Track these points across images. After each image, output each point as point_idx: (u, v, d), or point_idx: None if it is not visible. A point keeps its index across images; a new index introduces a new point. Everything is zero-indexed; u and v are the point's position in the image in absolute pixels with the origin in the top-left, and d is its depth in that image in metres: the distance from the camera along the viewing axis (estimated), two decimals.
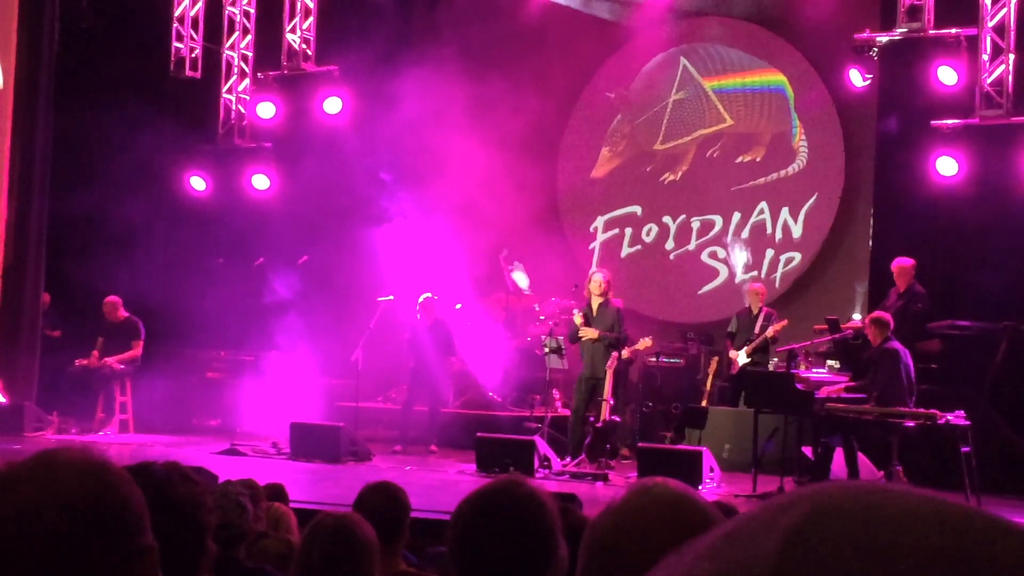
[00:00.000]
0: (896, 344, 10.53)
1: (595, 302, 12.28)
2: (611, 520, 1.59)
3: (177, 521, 2.37)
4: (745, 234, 16.03)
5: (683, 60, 16.55)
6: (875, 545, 0.69)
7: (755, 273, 15.78)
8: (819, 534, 0.70)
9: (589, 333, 12.09)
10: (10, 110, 14.30)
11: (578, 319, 12.28)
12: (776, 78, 15.95)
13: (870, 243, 14.17)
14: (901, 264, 12.11)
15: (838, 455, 10.58)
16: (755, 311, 13.26)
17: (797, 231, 15.77)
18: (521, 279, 15.99)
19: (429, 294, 13.78)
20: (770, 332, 12.87)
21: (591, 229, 17.04)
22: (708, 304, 15.95)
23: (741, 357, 13.01)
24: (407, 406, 13.57)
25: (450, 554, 2.51)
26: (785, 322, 12.97)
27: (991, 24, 12.17)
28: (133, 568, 1.44)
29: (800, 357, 12.32)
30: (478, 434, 11.86)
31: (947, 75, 12.19)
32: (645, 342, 12.48)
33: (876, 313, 11.03)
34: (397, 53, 15.73)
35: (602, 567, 1.61)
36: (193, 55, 16.09)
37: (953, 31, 12.24)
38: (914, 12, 12.45)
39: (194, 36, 16.11)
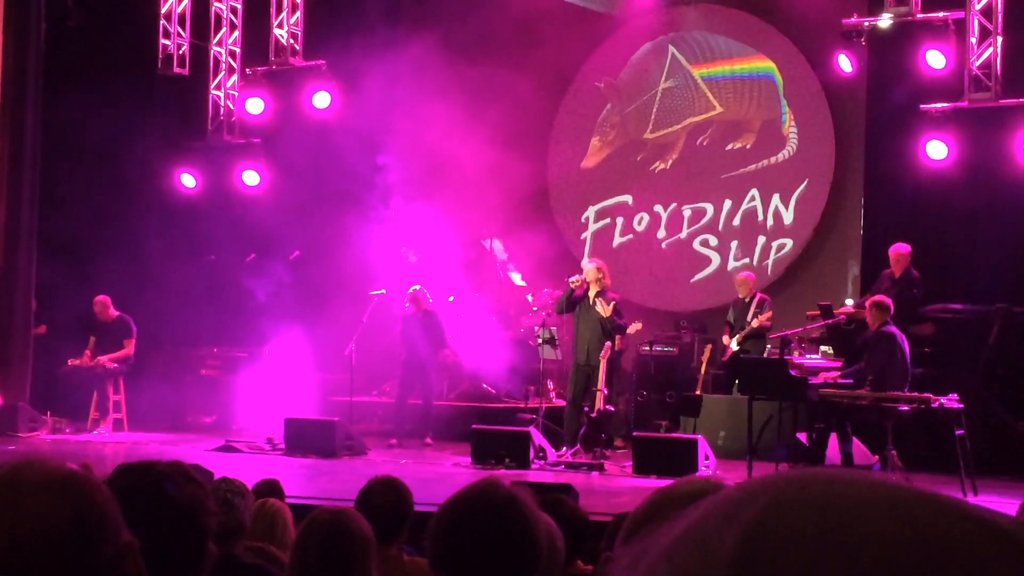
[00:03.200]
0: (893, 328, 10.55)
1: (592, 291, 12.30)
2: (649, 509, 1.59)
3: (179, 523, 2.36)
4: (736, 221, 16.04)
5: (671, 48, 16.54)
6: (832, 539, 0.68)
7: (747, 260, 15.80)
8: (775, 531, 0.69)
9: (603, 307, 12.10)
10: None
11: (576, 282, 12.33)
12: (765, 65, 15.94)
13: (861, 228, 14.19)
14: (899, 251, 12.07)
15: (833, 441, 10.60)
16: (747, 299, 13.33)
17: (788, 217, 15.77)
18: (516, 279, 16.06)
19: (418, 286, 13.79)
20: (755, 323, 12.98)
21: (582, 219, 17.03)
22: (701, 292, 15.96)
23: (733, 344, 13.09)
24: (401, 399, 13.57)
25: (431, 563, 2.49)
26: (769, 313, 13.09)
27: (978, 7, 12.17)
28: (119, 569, 1.41)
29: (793, 343, 12.34)
30: (473, 426, 11.87)
31: (935, 59, 12.19)
32: (635, 326, 12.49)
33: (878, 297, 11.02)
34: (385, 46, 15.70)
35: None
36: (181, 52, 16.04)
37: (941, 15, 12.23)
38: None
39: (181, 33, 16.06)
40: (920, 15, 12.34)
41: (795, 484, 0.73)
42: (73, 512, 1.38)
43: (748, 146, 16.09)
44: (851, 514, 0.69)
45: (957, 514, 0.70)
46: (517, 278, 16.07)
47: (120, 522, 1.44)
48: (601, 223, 16.92)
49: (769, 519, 0.70)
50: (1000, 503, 8.77)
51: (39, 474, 1.42)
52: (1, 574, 1.36)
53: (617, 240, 16.78)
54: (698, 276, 16.19)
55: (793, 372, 10.89)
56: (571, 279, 12.48)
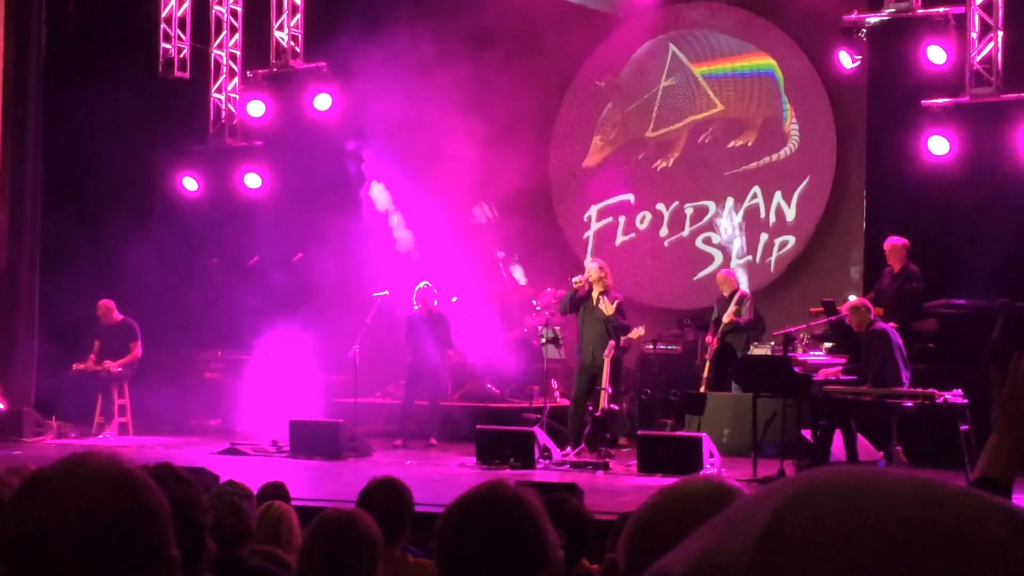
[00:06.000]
0: (883, 325, 10.54)
1: (595, 291, 12.30)
2: (653, 509, 1.59)
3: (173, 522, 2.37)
4: (739, 219, 16.03)
5: (672, 46, 16.53)
6: (854, 522, 0.71)
7: (749, 258, 15.81)
8: (800, 513, 0.73)
9: (606, 306, 12.09)
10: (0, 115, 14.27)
11: (579, 282, 12.31)
12: (765, 62, 15.93)
13: (864, 224, 14.18)
14: (893, 243, 12.08)
15: (838, 437, 10.60)
16: (728, 296, 13.41)
17: (791, 214, 15.77)
18: (520, 276, 16.06)
19: (426, 283, 13.81)
20: (726, 318, 13.10)
21: (585, 218, 17.03)
22: (704, 290, 15.92)
23: (716, 340, 13.35)
24: (406, 400, 13.58)
25: (438, 564, 2.49)
26: (735, 307, 13.14)
27: (979, 2, 12.16)
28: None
29: (797, 340, 12.34)
30: (478, 426, 11.88)
31: (936, 54, 12.18)
32: (638, 331, 12.49)
33: (854, 301, 11.10)
34: (385, 47, 15.70)
35: (644, 555, 1.59)
36: (181, 55, 16.04)
37: (941, 10, 12.23)
38: None
39: (182, 36, 16.06)
40: (920, 10, 12.33)
41: (823, 474, 0.76)
42: (121, 505, 1.44)
43: (750, 143, 16.08)
44: (878, 498, 0.72)
45: (978, 502, 0.73)
46: (519, 275, 16.06)
47: (169, 535, 1.48)
48: (603, 222, 16.92)
49: (795, 503, 0.74)
50: None
51: (100, 465, 1.48)
52: (46, 550, 1.41)
53: (620, 239, 16.78)
54: (701, 274, 16.18)
55: (797, 369, 10.89)
56: (574, 279, 12.47)
